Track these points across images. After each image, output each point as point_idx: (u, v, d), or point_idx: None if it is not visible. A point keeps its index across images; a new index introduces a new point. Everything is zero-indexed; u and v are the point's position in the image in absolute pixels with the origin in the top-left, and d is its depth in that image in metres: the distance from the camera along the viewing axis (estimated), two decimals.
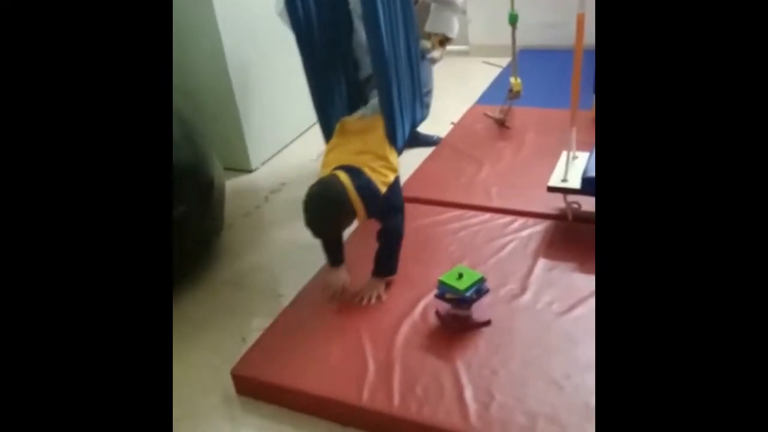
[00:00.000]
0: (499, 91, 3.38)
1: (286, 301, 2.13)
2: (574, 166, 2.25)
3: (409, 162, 2.83)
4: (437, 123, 3.16)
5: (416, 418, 1.58)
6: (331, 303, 2.04)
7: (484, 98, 3.63)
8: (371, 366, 1.75)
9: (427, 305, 1.94)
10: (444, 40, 2.80)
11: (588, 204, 2.21)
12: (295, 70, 2.65)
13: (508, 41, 2.91)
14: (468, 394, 1.62)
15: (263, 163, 3.34)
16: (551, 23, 3.99)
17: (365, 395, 1.66)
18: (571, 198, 2.25)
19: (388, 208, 2.00)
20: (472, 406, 1.58)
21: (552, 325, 1.82)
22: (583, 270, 2.01)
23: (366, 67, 2.24)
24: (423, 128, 2.95)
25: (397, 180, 2.05)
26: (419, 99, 2.24)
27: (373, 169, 1.95)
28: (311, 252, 2.38)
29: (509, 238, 2.24)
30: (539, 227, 2.28)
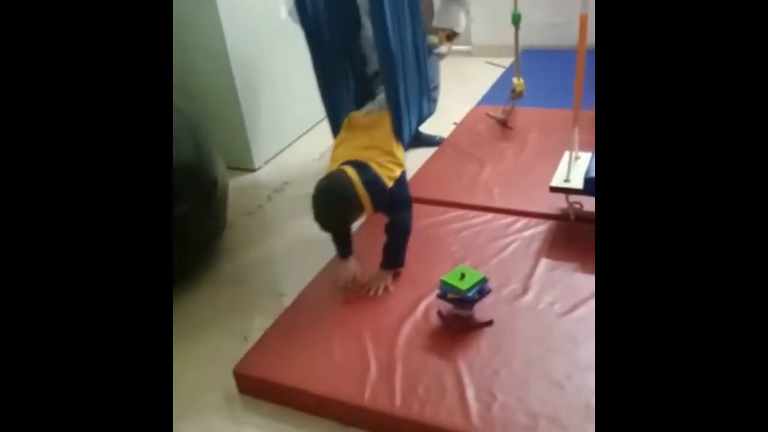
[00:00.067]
0: (501, 92, 3.38)
1: (288, 301, 2.13)
2: (577, 166, 2.25)
3: (412, 162, 2.82)
4: (440, 123, 3.15)
5: (418, 418, 1.58)
6: (342, 293, 2.07)
7: (487, 98, 3.63)
8: (373, 365, 1.75)
9: (429, 305, 1.94)
10: (451, 35, 2.81)
11: (590, 204, 2.21)
12: (298, 69, 2.66)
13: (511, 41, 2.91)
14: (470, 394, 1.62)
15: (266, 162, 3.34)
16: (554, 23, 3.99)
17: (367, 395, 1.66)
18: (573, 198, 2.25)
19: (395, 202, 2.04)
20: (473, 406, 1.58)
21: (554, 326, 1.82)
22: (585, 270, 2.01)
23: (373, 63, 2.26)
24: (425, 128, 2.95)
25: (403, 174, 2.08)
26: (426, 94, 2.27)
27: (380, 164, 1.98)
28: (313, 251, 2.39)
29: (511, 238, 2.24)
30: (541, 227, 2.28)
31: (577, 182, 2.17)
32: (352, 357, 1.79)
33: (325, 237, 2.27)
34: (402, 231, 2.10)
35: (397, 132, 2.07)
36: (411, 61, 2.10)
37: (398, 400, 1.63)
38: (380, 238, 2.10)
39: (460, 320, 1.85)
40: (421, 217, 2.36)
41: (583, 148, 2.27)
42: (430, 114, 2.39)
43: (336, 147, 2.15)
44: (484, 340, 1.79)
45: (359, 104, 2.26)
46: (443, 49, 2.84)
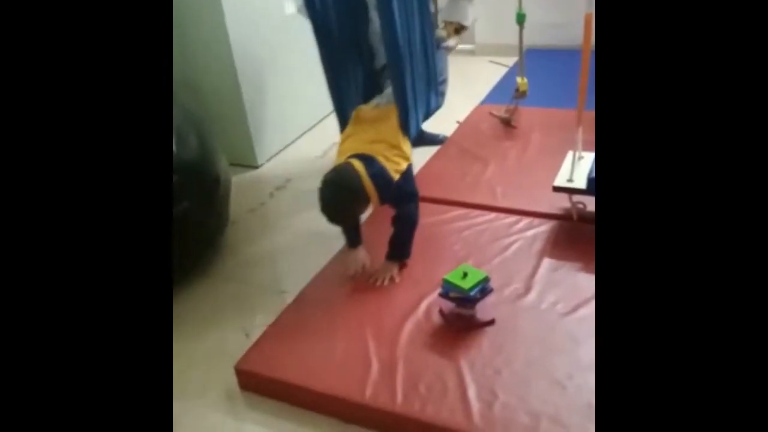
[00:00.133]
0: (505, 91, 3.38)
1: (289, 298, 2.13)
2: (580, 166, 2.25)
3: (415, 160, 2.79)
4: (443, 122, 3.15)
5: (419, 417, 1.58)
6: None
7: (490, 97, 3.63)
8: (374, 363, 1.75)
9: (431, 304, 1.94)
10: (459, 29, 2.81)
11: (593, 204, 2.21)
12: (302, 66, 2.65)
13: (515, 41, 2.90)
14: (471, 393, 1.62)
15: (269, 159, 3.34)
16: (558, 23, 3.98)
17: (368, 392, 1.66)
18: (576, 198, 2.24)
19: (401, 195, 2.07)
20: (475, 405, 1.58)
21: (556, 326, 1.82)
22: (588, 270, 2.01)
23: (381, 57, 2.27)
24: (429, 127, 2.95)
25: (410, 168, 2.11)
26: (434, 88, 2.29)
27: (387, 158, 2.00)
28: (316, 249, 2.39)
29: (514, 237, 2.24)
30: (544, 227, 2.28)
31: (581, 182, 2.17)
32: (354, 354, 1.79)
33: (328, 235, 2.27)
34: (408, 224, 2.13)
35: (404, 126, 2.09)
36: (419, 55, 2.12)
37: (399, 398, 1.63)
38: (387, 230, 2.13)
39: (462, 319, 1.84)
40: (424, 216, 2.35)
41: (586, 148, 2.26)
42: (438, 107, 2.40)
43: (343, 140, 2.17)
44: (486, 340, 1.79)
45: (367, 98, 2.27)
46: (451, 42, 2.84)
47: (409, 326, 1.87)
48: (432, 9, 2.24)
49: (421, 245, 2.19)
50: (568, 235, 2.22)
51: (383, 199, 1.99)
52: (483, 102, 3.55)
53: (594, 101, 0.98)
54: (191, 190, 2.18)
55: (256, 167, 3.27)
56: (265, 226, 2.79)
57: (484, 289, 1.83)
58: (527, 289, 1.97)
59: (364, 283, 2.09)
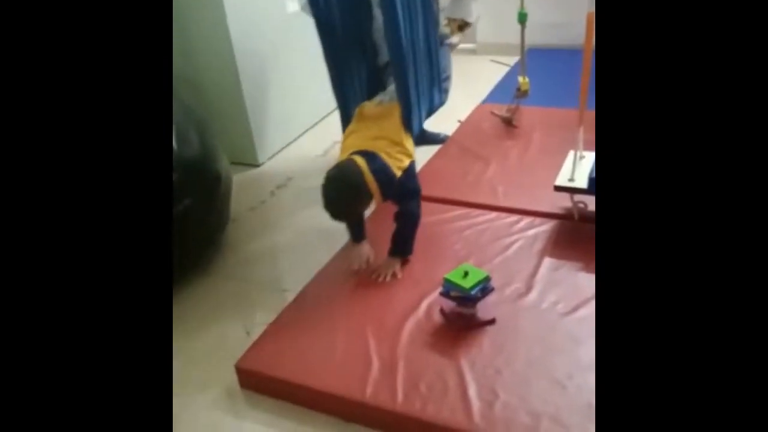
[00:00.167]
0: (506, 90, 3.38)
1: (290, 296, 2.13)
2: (581, 165, 2.24)
3: (416, 160, 2.81)
4: (444, 121, 3.15)
5: (420, 416, 1.58)
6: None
7: (492, 97, 3.63)
8: (375, 362, 1.74)
9: (431, 303, 1.94)
10: (463, 26, 2.81)
11: (594, 204, 2.21)
12: (304, 64, 2.65)
13: (516, 40, 2.90)
14: (472, 392, 1.62)
15: (270, 158, 3.34)
16: (559, 22, 3.98)
17: (369, 391, 1.66)
18: (577, 198, 2.24)
19: (404, 192, 2.08)
20: (475, 404, 1.58)
21: (557, 325, 1.81)
22: (589, 270, 2.01)
23: (385, 54, 2.27)
24: (430, 126, 2.95)
25: (412, 165, 2.12)
26: (438, 85, 2.30)
27: (389, 155, 2.01)
28: (317, 247, 2.39)
29: (515, 237, 2.24)
30: (545, 227, 2.28)
31: (582, 182, 2.17)
32: (355, 353, 1.79)
33: (329, 233, 2.27)
34: (411, 220, 2.14)
35: (407, 123, 2.10)
36: (422, 52, 2.13)
37: (400, 397, 1.63)
38: (390, 226, 2.15)
39: (462, 318, 1.84)
40: (425, 215, 2.35)
41: (588, 148, 2.26)
42: (441, 104, 2.41)
43: (346, 137, 2.18)
44: (487, 339, 1.79)
45: (371, 95, 2.28)
46: (455, 39, 2.84)
47: (409, 325, 1.87)
48: (435, 6, 2.24)
49: (422, 244, 2.19)
50: (569, 235, 2.22)
51: (385, 195, 2.00)
52: (484, 101, 3.55)
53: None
54: (192, 187, 2.18)
55: (257, 165, 3.27)
56: (266, 224, 2.79)
57: (484, 288, 1.83)
58: (528, 288, 1.97)
59: (365, 282, 2.09)
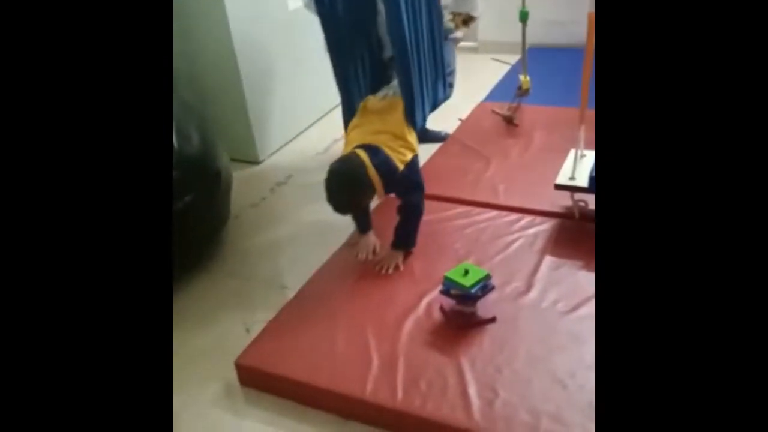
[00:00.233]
0: (507, 88, 3.38)
1: (290, 293, 2.13)
2: (582, 164, 2.24)
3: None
4: (445, 119, 3.15)
5: (419, 413, 1.58)
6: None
7: (493, 95, 3.62)
8: (375, 360, 1.74)
9: (432, 301, 1.94)
10: (467, 20, 2.81)
11: (595, 202, 2.21)
12: (304, 62, 2.64)
13: (518, 38, 2.90)
14: (472, 390, 1.62)
15: (270, 155, 3.33)
16: (560, 21, 3.98)
17: (368, 388, 1.66)
18: (578, 196, 2.24)
19: (406, 185, 2.10)
20: (475, 402, 1.58)
21: (557, 324, 1.81)
22: (589, 269, 2.01)
23: (389, 48, 2.28)
24: (431, 124, 2.95)
25: (415, 159, 2.13)
26: (442, 79, 2.31)
27: (392, 148, 2.03)
28: (317, 244, 2.39)
29: (516, 235, 2.24)
30: (546, 225, 2.27)
31: (583, 180, 2.17)
32: (354, 351, 1.79)
33: (329, 230, 2.27)
34: (414, 213, 2.15)
35: (410, 117, 2.11)
36: (426, 46, 2.14)
37: (400, 395, 1.63)
38: (394, 219, 2.17)
39: (462, 317, 1.84)
40: (426, 213, 2.35)
41: (588, 147, 2.26)
42: (446, 98, 2.41)
43: (350, 131, 2.19)
44: (487, 337, 1.79)
45: (375, 89, 2.28)
46: (459, 34, 2.83)
47: (409, 323, 1.87)
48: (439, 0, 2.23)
49: (423, 242, 2.19)
50: (569, 234, 2.22)
51: (388, 188, 2.01)
52: (485, 100, 3.55)
53: None
54: (192, 185, 2.18)
55: (258, 163, 3.27)
56: (266, 221, 2.79)
57: (485, 286, 1.83)
58: (528, 287, 1.97)
59: (365, 279, 2.09)
